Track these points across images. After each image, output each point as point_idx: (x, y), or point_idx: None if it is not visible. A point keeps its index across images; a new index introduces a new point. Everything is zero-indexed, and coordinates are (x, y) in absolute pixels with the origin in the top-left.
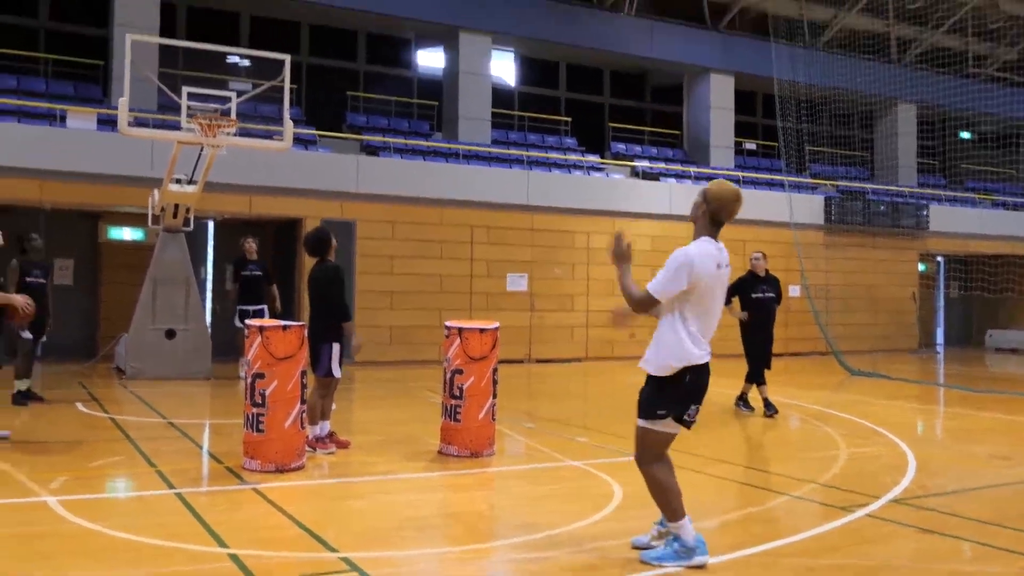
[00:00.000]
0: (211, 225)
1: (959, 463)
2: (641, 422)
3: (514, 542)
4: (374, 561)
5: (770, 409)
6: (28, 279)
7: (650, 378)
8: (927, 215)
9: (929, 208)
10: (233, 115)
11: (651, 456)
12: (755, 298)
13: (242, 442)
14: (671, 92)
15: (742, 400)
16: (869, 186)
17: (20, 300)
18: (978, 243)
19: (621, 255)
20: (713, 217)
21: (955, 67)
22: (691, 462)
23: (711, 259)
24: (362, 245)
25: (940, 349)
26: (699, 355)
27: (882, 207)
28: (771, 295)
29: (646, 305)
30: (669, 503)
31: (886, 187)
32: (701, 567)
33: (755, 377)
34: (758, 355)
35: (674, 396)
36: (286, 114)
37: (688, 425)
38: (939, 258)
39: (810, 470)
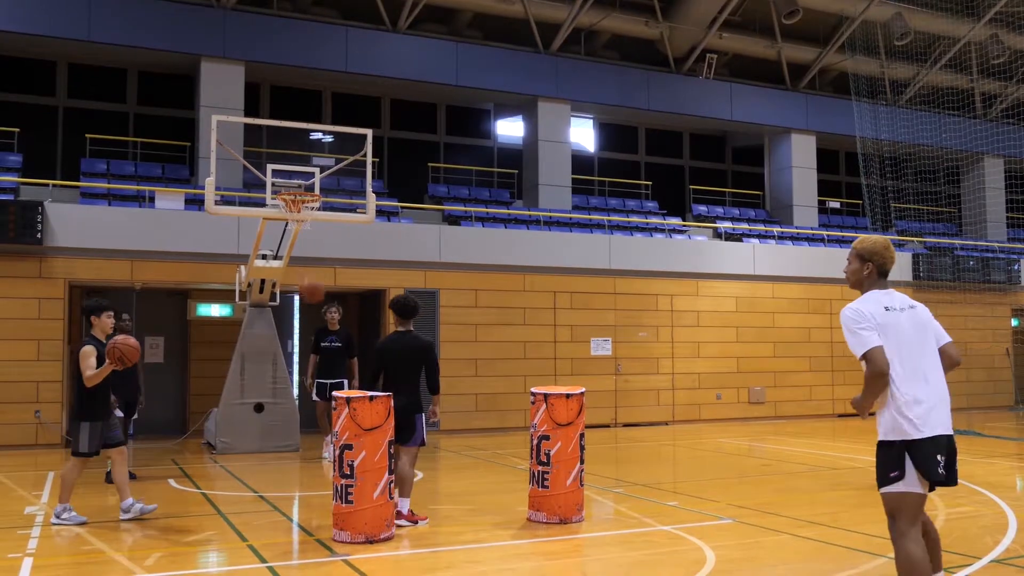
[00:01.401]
0: (297, 299)
1: None
2: (885, 488)
3: None
4: None
5: None
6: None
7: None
8: (1019, 269)
9: (1021, 262)
10: (317, 190)
11: (904, 522)
12: None
13: (332, 514)
14: (752, 152)
15: None
16: (958, 241)
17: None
18: None
19: (860, 408)
20: (880, 271)
21: None
22: (788, 525)
23: (877, 303)
24: (445, 313)
25: None
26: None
27: (971, 262)
28: None
29: (879, 365)
30: None
31: (975, 242)
32: None
33: None
34: None
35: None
36: (369, 187)
37: (939, 482)
38: None
39: None
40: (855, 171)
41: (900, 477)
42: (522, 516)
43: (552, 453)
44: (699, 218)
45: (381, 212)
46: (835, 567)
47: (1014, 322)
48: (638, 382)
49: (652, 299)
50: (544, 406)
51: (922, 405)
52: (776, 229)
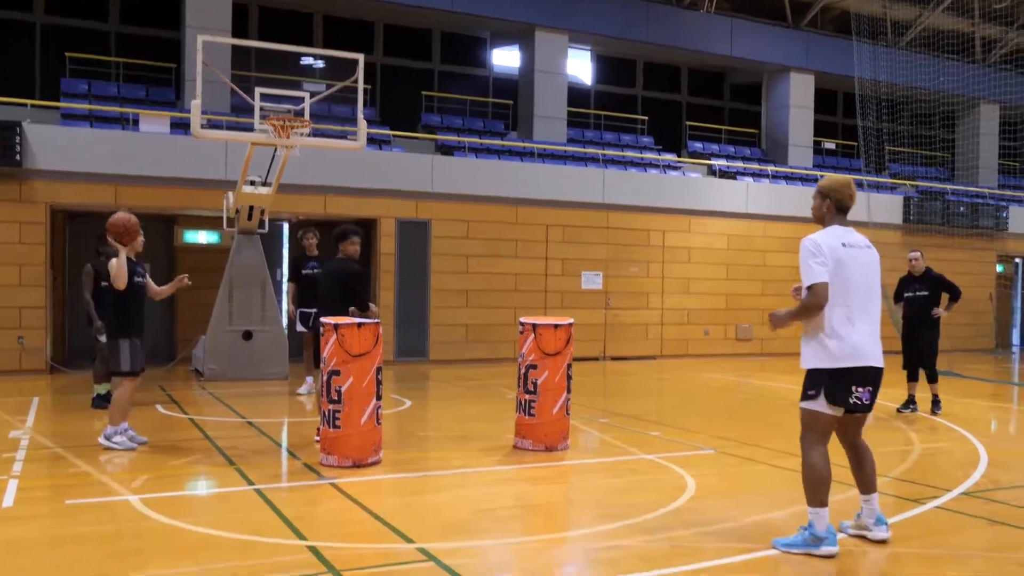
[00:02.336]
0: (286, 227)
1: None
2: (803, 404)
3: (589, 532)
4: (451, 551)
5: (908, 408)
6: (103, 283)
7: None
8: (1007, 216)
9: (1009, 209)
10: (307, 116)
11: (813, 438)
12: (907, 296)
13: (319, 439)
14: (750, 90)
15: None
16: (949, 186)
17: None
18: None
19: (774, 321)
20: (839, 206)
21: None
22: (768, 456)
23: (835, 238)
24: (437, 244)
25: (1016, 349)
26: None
27: (961, 208)
28: (924, 294)
29: (820, 299)
30: (815, 489)
31: (966, 188)
32: (829, 557)
33: (910, 376)
34: (909, 354)
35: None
36: (360, 114)
37: (856, 409)
38: (1017, 259)
39: (884, 464)
40: (852, 112)
41: (815, 397)
42: (509, 444)
43: (539, 382)
44: (694, 155)
45: (373, 140)
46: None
47: (999, 268)
48: (627, 316)
49: (644, 234)
50: (532, 336)
51: (854, 338)
52: (771, 168)
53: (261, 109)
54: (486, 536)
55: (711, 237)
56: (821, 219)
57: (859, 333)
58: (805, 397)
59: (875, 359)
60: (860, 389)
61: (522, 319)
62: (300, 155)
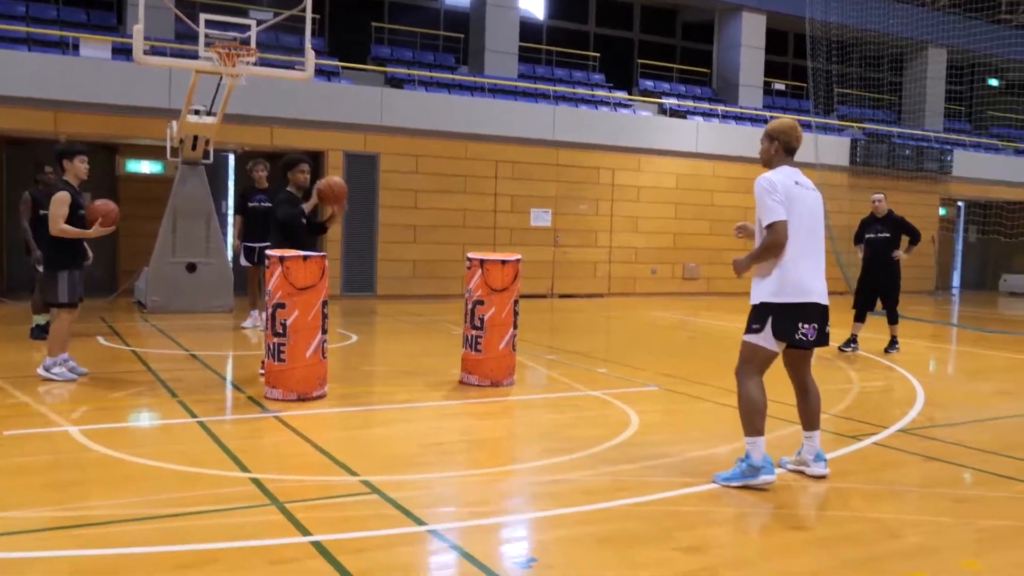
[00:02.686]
0: (232, 158)
1: (966, 398)
2: (746, 337)
3: (534, 466)
4: (395, 484)
5: (850, 346)
6: (42, 211)
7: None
8: (951, 160)
9: (953, 153)
10: (253, 44)
11: (750, 369)
12: (868, 238)
13: (264, 372)
14: (701, 29)
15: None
16: (895, 129)
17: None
18: (999, 189)
19: (737, 266)
20: (786, 148)
21: (987, 12)
22: (712, 393)
23: (788, 177)
24: (385, 179)
25: (956, 292)
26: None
27: (907, 151)
28: (885, 235)
29: (780, 236)
30: (750, 418)
31: (912, 131)
32: (767, 486)
33: (858, 316)
34: (864, 294)
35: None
36: (307, 43)
37: (802, 345)
38: (960, 203)
39: (825, 402)
40: (802, 54)
41: (760, 331)
42: (455, 379)
43: (486, 318)
44: (645, 93)
45: (321, 71)
46: None
47: (942, 211)
48: (576, 254)
49: (594, 172)
50: (480, 271)
51: (801, 275)
52: (721, 108)
53: (206, 36)
54: (431, 469)
55: (660, 176)
56: (768, 161)
57: (806, 271)
58: (750, 330)
59: (820, 296)
60: (806, 326)
61: (470, 255)
62: (246, 84)
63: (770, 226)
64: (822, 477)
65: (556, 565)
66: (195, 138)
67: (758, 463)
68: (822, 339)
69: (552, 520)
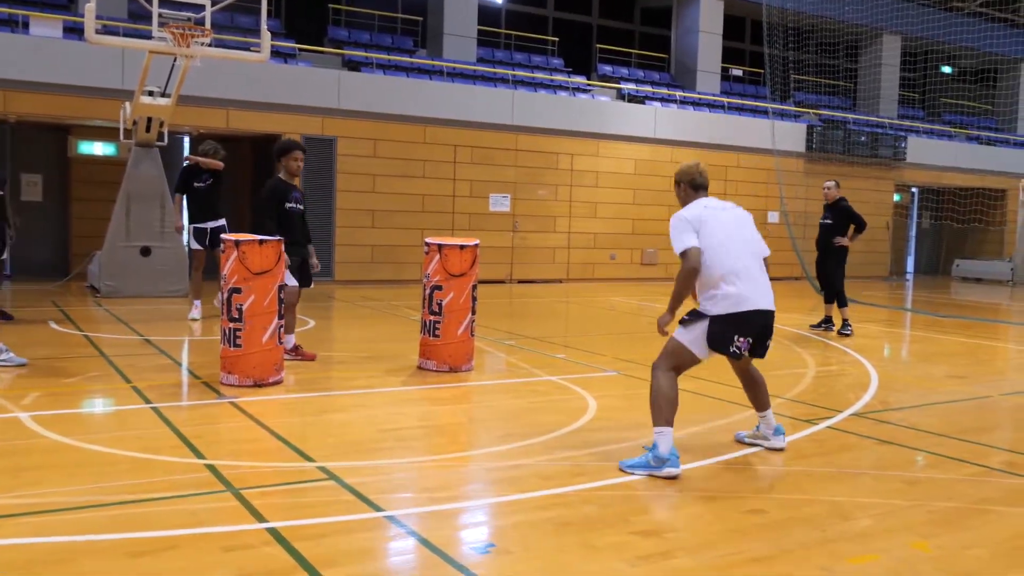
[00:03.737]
0: (187, 140)
1: (919, 382)
2: (676, 333)
3: (492, 451)
4: (352, 470)
5: (820, 326)
6: None
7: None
8: (905, 147)
9: (907, 140)
10: (207, 24)
11: (668, 365)
12: (819, 224)
13: (219, 357)
14: (660, 15)
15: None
16: (851, 116)
17: None
18: (951, 176)
19: (662, 324)
20: (692, 185)
21: (940, 1)
22: None
23: (697, 207)
24: (343, 163)
25: (910, 277)
26: (733, 296)
27: (862, 137)
28: (828, 222)
29: (693, 262)
30: (660, 409)
31: (867, 117)
32: (671, 479)
33: (826, 298)
34: (819, 278)
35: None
36: (263, 24)
37: (735, 356)
38: (913, 189)
39: (779, 387)
40: (759, 40)
41: (690, 325)
42: (413, 365)
43: (444, 303)
44: (604, 78)
45: (277, 53)
46: (707, 416)
47: (896, 197)
48: (535, 239)
49: (553, 157)
50: (438, 256)
51: (733, 289)
52: (679, 93)
53: (160, 16)
54: (388, 455)
55: (619, 161)
56: (684, 202)
57: (739, 284)
58: (681, 323)
59: (760, 301)
60: (740, 339)
61: (428, 239)
62: (201, 66)
63: (682, 254)
64: (781, 449)
65: (514, 550)
66: (149, 120)
67: (664, 455)
68: (758, 351)
69: (510, 505)
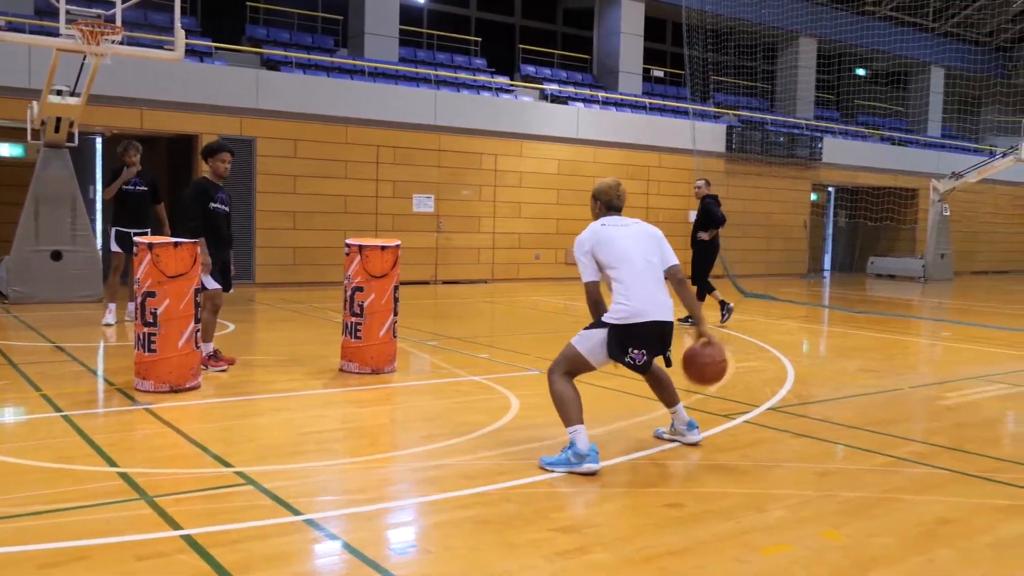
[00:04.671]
0: (99, 141)
1: (833, 376)
2: (574, 340)
3: (414, 452)
4: (271, 474)
5: (724, 315)
6: None
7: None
8: (821, 147)
9: (823, 140)
10: (118, 22)
11: (563, 369)
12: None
13: (133, 363)
14: (582, 16)
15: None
16: (769, 117)
17: None
18: (866, 175)
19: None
20: (608, 206)
21: (854, 4)
22: (592, 376)
23: (595, 226)
24: (262, 163)
25: (827, 274)
26: (628, 309)
27: (780, 138)
28: (695, 219)
29: (592, 296)
30: (566, 410)
31: (784, 118)
32: (591, 474)
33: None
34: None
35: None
36: (177, 22)
37: (631, 368)
38: (830, 188)
39: None
40: (680, 42)
41: (589, 340)
42: (335, 367)
43: (366, 305)
44: (527, 78)
45: (193, 52)
46: (630, 412)
47: (813, 196)
48: (459, 240)
49: (476, 157)
50: (358, 257)
51: (631, 302)
52: (601, 94)
53: (68, 13)
54: (308, 459)
55: (542, 162)
56: (595, 217)
57: (635, 297)
58: (582, 336)
59: (658, 313)
60: (635, 351)
61: (348, 240)
62: (112, 64)
63: (585, 286)
64: (696, 444)
65: (434, 550)
66: (58, 120)
67: (583, 451)
68: (663, 360)
69: (431, 505)
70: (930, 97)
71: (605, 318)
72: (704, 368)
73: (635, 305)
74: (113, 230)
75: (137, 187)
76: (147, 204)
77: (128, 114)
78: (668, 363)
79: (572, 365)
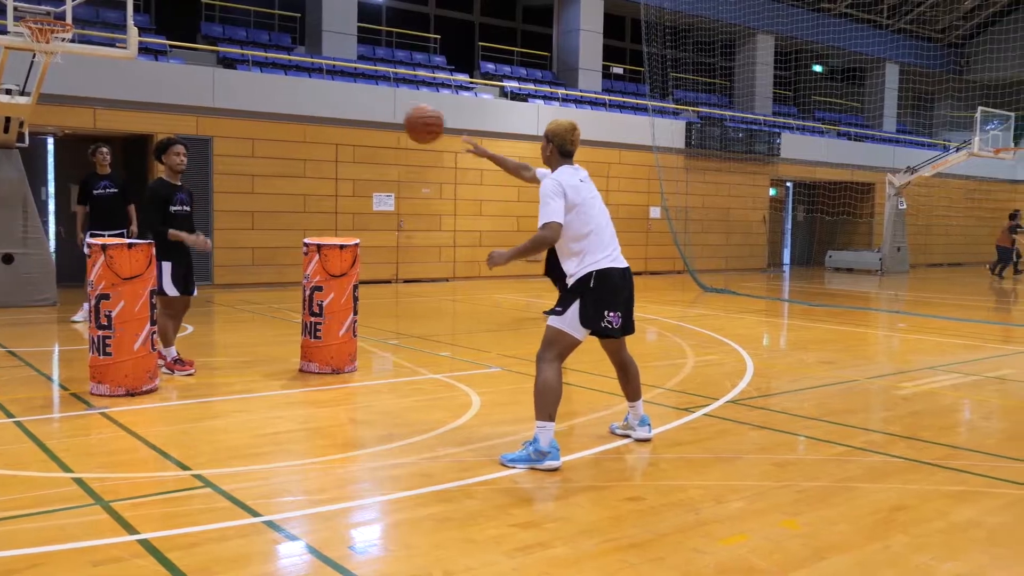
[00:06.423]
0: (51, 142)
1: (792, 368)
2: (551, 320)
3: (374, 451)
4: (229, 476)
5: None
6: None
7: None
8: (779, 143)
9: (781, 136)
10: (69, 19)
11: (552, 354)
12: None
13: (88, 367)
14: (542, 13)
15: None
16: (728, 113)
17: None
18: (823, 170)
19: (494, 260)
20: (560, 151)
21: (810, 2)
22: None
23: (572, 175)
24: (220, 163)
25: (786, 268)
26: (598, 260)
27: (739, 134)
28: None
29: (551, 239)
30: (545, 403)
31: (743, 115)
32: (552, 471)
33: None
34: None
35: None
36: (130, 20)
37: (608, 333)
38: (788, 183)
39: (659, 377)
40: (639, 38)
41: (561, 314)
42: (294, 367)
43: (325, 304)
44: (487, 76)
45: (147, 50)
46: (589, 408)
47: (772, 191)
48: (420, 238)
49: (436, 155)
50: (317, 257)
51: (604, 263)
52: (561, 91)
53: (16, 9)
54: (267, 460)
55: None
56: (547, 161)
57: (607, 259)
58: (553, 312)
59: (622, 279)
60: (611, 314)
61: (306, 240)
62: (63, 63)
63: (546, 224)
64: (647, 440)
65: (394, 548)
66: (7, 120)
67: (546, 448)
68: (628, 326)
69: (391, 504)
70: (885, 93)
71: (579, 272)
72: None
73: (610, 269)
74: (87, 234)
75: (107, 190)
76: (118, 206)
77: (81, 114)
78: (632, 327)
79: (559, 346)
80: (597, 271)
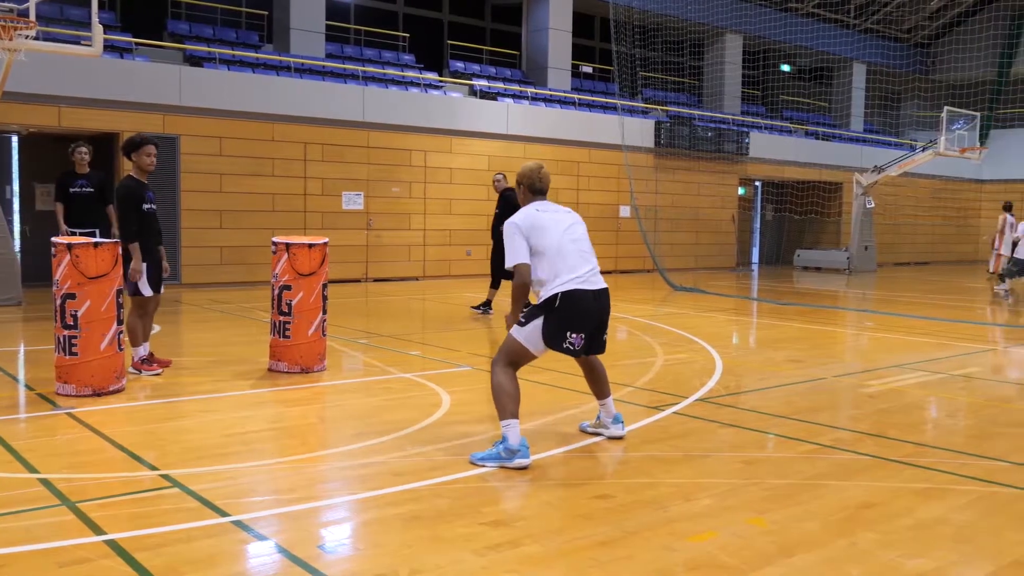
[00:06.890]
0: (15, 140)
1: (760, 366)
2: (513, 331)
3: (344, 450)
4: (197, 476)
5: (480, 308)
6: None
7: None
8: (748, 142)
9: (750, 135)
10: (32, 16)
11: (505, 361)
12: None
13: (54, 367)
14: (511, 11)
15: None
16: (696, 112)
17: None
18: (791, 170)
19: (509, 323)
20: (531, 189)
21: (777, 2)
22: (522, 372)
23: (530, 211)
24: (187, 162)
25: (755, 267)
26: (565, 281)
27: (708, 133)
28: (497, 211)
29: (523, 278)
30: (502, 403)
31: (712, 114)
32: (521, 469)
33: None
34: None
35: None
36: (94, 17)
37: (570, 354)
38: (757, 182)
39: (628, 375)
40: (609, 37)
41: (524, 325)
42: (263, 367)
43: (294, 303)
44: (456, 74)
45: (113, 48)
46: (560, 407)
47: (740, 191)
48: (390, 237)
49: (406, 154)
50: (286, 256)
51: (567, 286)
52: (530, 90)
53: None
54: (236, 460)
55: (472, 158)
56: (522, 202)
57: (576, 280)
58: (519, 326)
59: (594, 298)
60: (573, 335)
61: (275, 239)
62: (27, 60)
63: (514, 267)
64: (620, 438)
65: (363, 547)
66: None
67: (515, 446)
68: (594, 347)
69: (361, 503)
70: (852, 93)
71: (546, 293)
72: None
73: (573, 292)
74: (68, 232)
75: (84, 188)
76: (94, 205)
77: (45, 112)
78: (602, 348)
79: (513, 356)
80: (563, 292)
